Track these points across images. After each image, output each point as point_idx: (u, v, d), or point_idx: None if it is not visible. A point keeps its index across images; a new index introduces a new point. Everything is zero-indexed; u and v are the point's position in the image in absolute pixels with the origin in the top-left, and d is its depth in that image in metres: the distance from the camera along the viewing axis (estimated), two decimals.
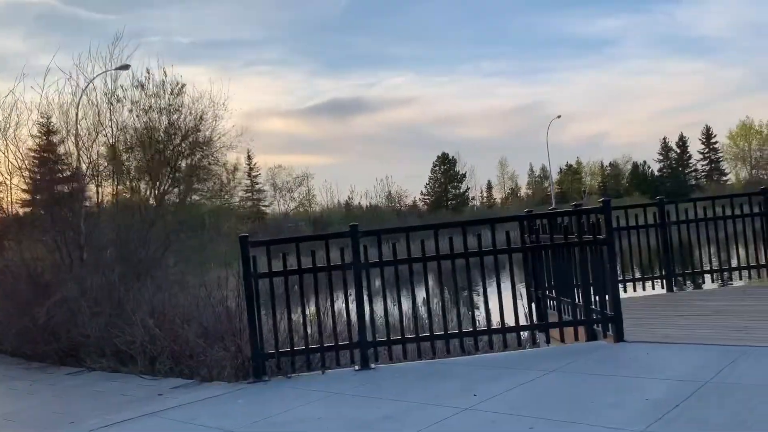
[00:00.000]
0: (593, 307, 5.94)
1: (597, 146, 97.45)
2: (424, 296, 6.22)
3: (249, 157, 63.42)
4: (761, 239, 8.48)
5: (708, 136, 75.26)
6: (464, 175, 72.95)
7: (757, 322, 5.92)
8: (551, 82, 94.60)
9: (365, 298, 5.82)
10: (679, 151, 76.38)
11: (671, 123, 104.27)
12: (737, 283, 8.74)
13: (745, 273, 8.58)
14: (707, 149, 75.71)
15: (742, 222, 8.51)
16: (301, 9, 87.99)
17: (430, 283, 6.26)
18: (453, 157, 72.12)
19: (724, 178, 74.75)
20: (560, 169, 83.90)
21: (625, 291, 8.53)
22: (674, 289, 8.43)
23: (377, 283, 6.26)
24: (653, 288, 8.55)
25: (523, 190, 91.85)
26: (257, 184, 64.63)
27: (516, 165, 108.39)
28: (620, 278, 8.50)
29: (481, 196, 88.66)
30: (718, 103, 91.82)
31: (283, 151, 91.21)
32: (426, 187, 73.05)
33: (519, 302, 6.16)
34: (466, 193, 73.63)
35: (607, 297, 5.83)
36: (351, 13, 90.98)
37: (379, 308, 6.29)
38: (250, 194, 63.17)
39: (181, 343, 7.25)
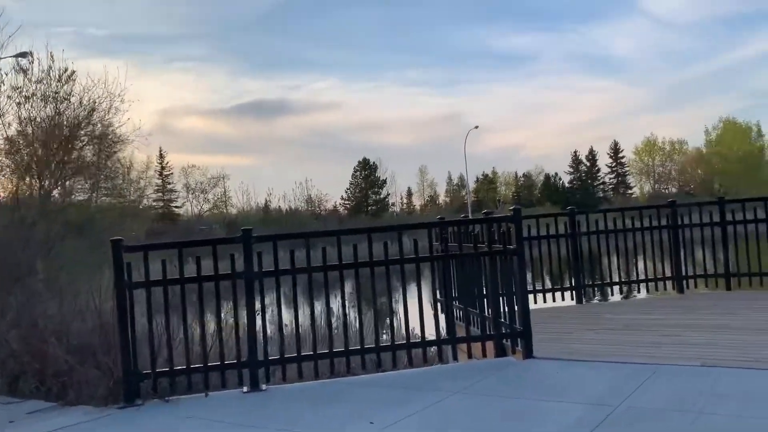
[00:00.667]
0: (502, 320, 5.62)
1: (512, 157, 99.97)
2: (325, 309, 5.69)
3: (161, 155, 60.95)
4: (667, 252, 8.53)
5: (616, 151, 79.06)
6: (385, 181, 73.16)
7: (666, 337, 5.78)
8: (471, 93, 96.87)
9: (257, 311, 5.23)
10: (588, 164, 79.77)
11: (582, 137, 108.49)
12: (643, 294, 8.74)
13: (651, 285, 8.59)
14: (615, 163, 79.50)
15: (650, 234, 8.53)
16: (226, 7, 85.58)
17: (333, 294, 5.72)
18: (374, 162, 72.19)
19: (630, 192, 78.75)
20: (477, 178, 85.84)
21: (536, 302, 8.34)
22: (583, 300, 8.32)
23: (274, 294, 5.67)
24: (563, 299, 8.41)
25: (442, 198, 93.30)
26: (169, 183, 62.08)
27: (436, 173, 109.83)
28: (531, 289, 8.36)
29: (402, 203, 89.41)
30: (625, 119, 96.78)
31: (203, 151, 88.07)
32: (346, 192, 72.71)
33: (427, 314, 5.74)
34: (387, 199, 73.84)
35: (516, 310, 5.52)
36: (277, 14, 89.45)
37: (275, 322, 5.69)
38: (161, 194, 60.56)
39: (48, 360, 6.36)
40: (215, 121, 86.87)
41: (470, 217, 7.65)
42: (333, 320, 5.82)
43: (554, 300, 8.41)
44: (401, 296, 5.62)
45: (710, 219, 8.50)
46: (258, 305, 5.25)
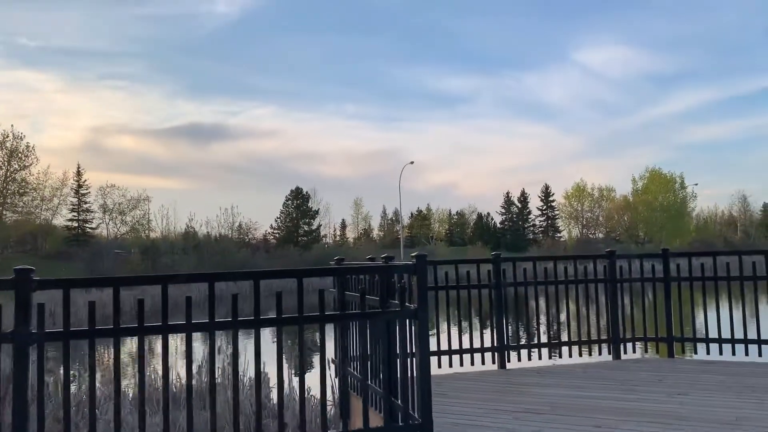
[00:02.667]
0: (399, 402, 4.16)
1: (447, 195, 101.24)
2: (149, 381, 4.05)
3: (78, 172, 57.32)
4: (604, 308, 7.34)
5: (547, 194, 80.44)
6: (317, 212, 71.41)
7: (598, 430, 4.44)
8: (408, 130, 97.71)
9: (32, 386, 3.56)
10: (520, 206, 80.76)
11: (515, 179, 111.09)
12: (575, 358, 7.48)
13: (585, 348, 7.37)
14: (545, 206, 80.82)
15: (585, 287, 7.32)
16: (165, 27, 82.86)
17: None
18: (306, 192, 70.46)
19: (558, 235, 79.98)
20: (411, 214, 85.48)
21: (451, 365, 6.99)
22: (507, 364, 6.99)
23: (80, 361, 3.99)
24: (483, 362, 7.04)
25: (375, 232, 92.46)
26: (86, 203, 58.22)
27: (371, 206, 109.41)
28: (445, 348, 6.98)
29: (335, 235, 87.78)
30: (556, 164, 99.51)
31: (133, 172, 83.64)
32: (276, 221, 70.47)
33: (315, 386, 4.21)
34: (319, 231, 72.00)
35: (415, 394, 4.07)
36: (218, 38, 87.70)
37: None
38: (75, 213, 56.72)
39: None
40: (148, 142, 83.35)
41: (388, 255, 6.19)
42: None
43: (473, 363, 7.05)
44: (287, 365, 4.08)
45: (652, 273, 7.39)
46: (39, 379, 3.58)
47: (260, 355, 3.98)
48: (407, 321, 4.15)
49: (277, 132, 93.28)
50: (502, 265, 7.14)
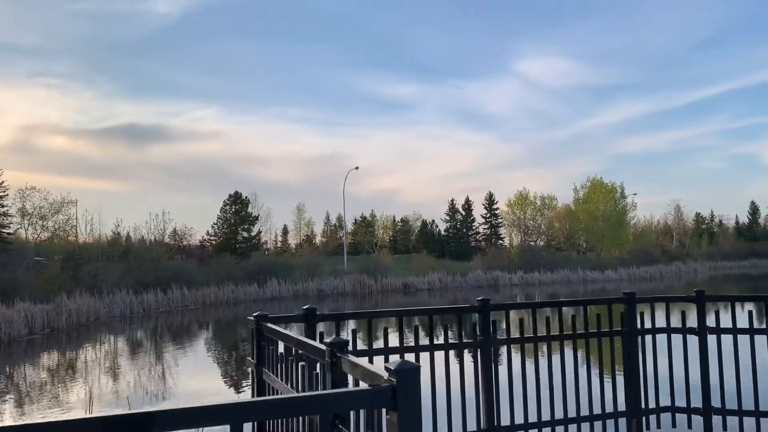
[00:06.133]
0: None
1: (391, 201, 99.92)
2: None
3: None
4: (621, 367, 5.58)
5: (491, 202, 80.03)
6: (257, 218, 68.35)
7: None
8: (353, 136, 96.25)
9: None
10: (464, 213, 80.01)
11: (459, 186, 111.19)
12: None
13: (599, 425, 5.59)
14: (489, 214, 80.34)
15: (598, 341, 5.54)
16: (102, 25, 77.89)
17: None
18: (246, 197, 67.30)
19: (501, 242, 79.56)
20: (356, 220, 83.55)
21: None
22: None
23: None
24: None
25: (318, 239, 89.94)
26: (2, 206, 53.46)
27: (314, 212, 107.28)
28: None
29: (275, 241, 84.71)
30: (499, 172, 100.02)
31: (65, 173, 78.01)
32: (213, 227, 67.04)
33: None
34: (259, 237, 68.93)
35: None
36: (158, 38, 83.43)
37: None
38: None
39: None
40: (82, 142, 78.27)
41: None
42: None
43: None
44: None
45: (682, 323, 5.68)
46: None
47: None
48: None
49: (219, 135, 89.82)
50: (492, 314, 5.29)
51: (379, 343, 4.95)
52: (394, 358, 4.87)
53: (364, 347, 4.85)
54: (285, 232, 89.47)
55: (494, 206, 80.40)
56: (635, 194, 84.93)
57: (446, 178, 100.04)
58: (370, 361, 4.49)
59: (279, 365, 3.81)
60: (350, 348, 4.43)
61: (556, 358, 5.43)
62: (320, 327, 4.79)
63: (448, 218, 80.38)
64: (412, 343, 5.03)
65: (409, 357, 4.99)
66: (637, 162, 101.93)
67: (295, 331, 3.88)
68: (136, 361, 16.65)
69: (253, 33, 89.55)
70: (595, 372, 5.68)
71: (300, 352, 3.16)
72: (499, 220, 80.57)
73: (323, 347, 2.60)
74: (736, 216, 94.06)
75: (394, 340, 4.95)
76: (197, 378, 14.00)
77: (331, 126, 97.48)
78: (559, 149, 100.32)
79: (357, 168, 60.48)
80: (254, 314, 4.10)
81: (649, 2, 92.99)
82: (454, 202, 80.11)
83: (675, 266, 62.26)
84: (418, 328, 5.05)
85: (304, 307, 4.56)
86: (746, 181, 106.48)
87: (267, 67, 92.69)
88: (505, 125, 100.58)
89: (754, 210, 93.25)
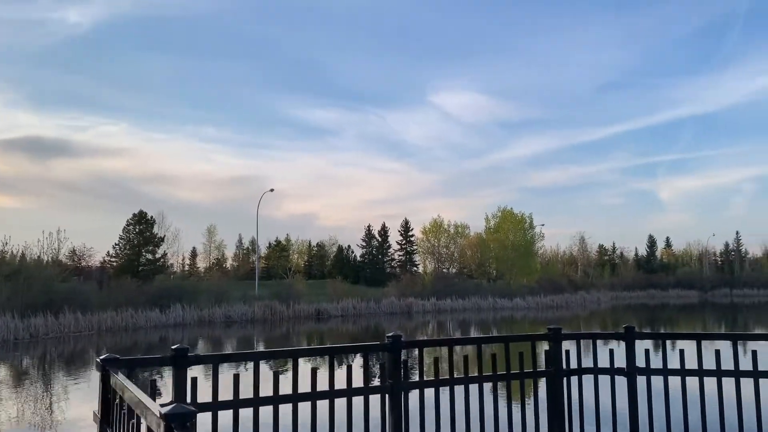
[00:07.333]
0: None
1: (307, 225, 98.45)
2: None
3: None
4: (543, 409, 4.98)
5: (406, 229, 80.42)
6: (162, 239, 64.99)
7: None
8: (270, 158, 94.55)
9: None
10: (380, 239, 79.86)
11: (376, 213, 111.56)
12: None
13: None
14: (405, 241, 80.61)
15: (520, 384, 4.93)
16: (7, 31, 72.61)
17: None
18: (152, 217, 63.94)
19: (415, 268, 79.82)
20: (270, 244, 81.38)
21: None
22: None
23: None
24: None
25: (230, 262, 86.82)
26: None
27: (226, 235, 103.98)
28: None
29: (183, 264, 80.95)
30: (415, 200, 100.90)
31: None
32: (115, 248, 63.12)
33: None
34: (164, 259, 65.47)
35: None
36: (67, 49, 78.78)
37: None
38: None
39: None
40: None
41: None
42: None
43: None
44: None
45: (610, 362, 5.16)
46: None
47: None
48: None
49: (128, 151, 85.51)
50: (403, 352, 4.56)
51: (267, 389, 4.11)
52: (284, 408, 4.03)
53: (249, 395, 3.98)
54: (194, 254, 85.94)
55: (410, 233, 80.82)
56: (543, 225, 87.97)
57: (364, 204, 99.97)
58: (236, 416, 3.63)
59: (129, 422, 2.91)
60: (219, 399, 3.54)
61: (474, 402, 4.76)
62: (195, 371, 3.87)
63: (364, 244, 79.94)
64: (308, 388, 4.20)
65: (304, 406, 4.15)
66: (546, 194, 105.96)
67: (167, 376, 2.95)
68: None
69: (170, 49, 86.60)
70: (517, 416, 5.06)
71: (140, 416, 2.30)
72: (414, 247, 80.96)
73: (159, 419, 1.77)
74: (636, 249, 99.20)
75: (287, 385, 4.12)
76: (74, 409, 12.41)
77: (248, 147, 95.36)
78: (472, 179, 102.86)
79: (272, 190, 59.03)
80: (101, 357, 3.18)
81: (560, 43, 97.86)
82: (371, 228, 79.90)
83: (580, 296, 64.37)
84: (316, 371, 4.24)
85: (173, 347, 3.67)
86: (644, 215, 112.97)
87: (182, 84, 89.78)
88: (422, 154, 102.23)
89: (651, 243, 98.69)
